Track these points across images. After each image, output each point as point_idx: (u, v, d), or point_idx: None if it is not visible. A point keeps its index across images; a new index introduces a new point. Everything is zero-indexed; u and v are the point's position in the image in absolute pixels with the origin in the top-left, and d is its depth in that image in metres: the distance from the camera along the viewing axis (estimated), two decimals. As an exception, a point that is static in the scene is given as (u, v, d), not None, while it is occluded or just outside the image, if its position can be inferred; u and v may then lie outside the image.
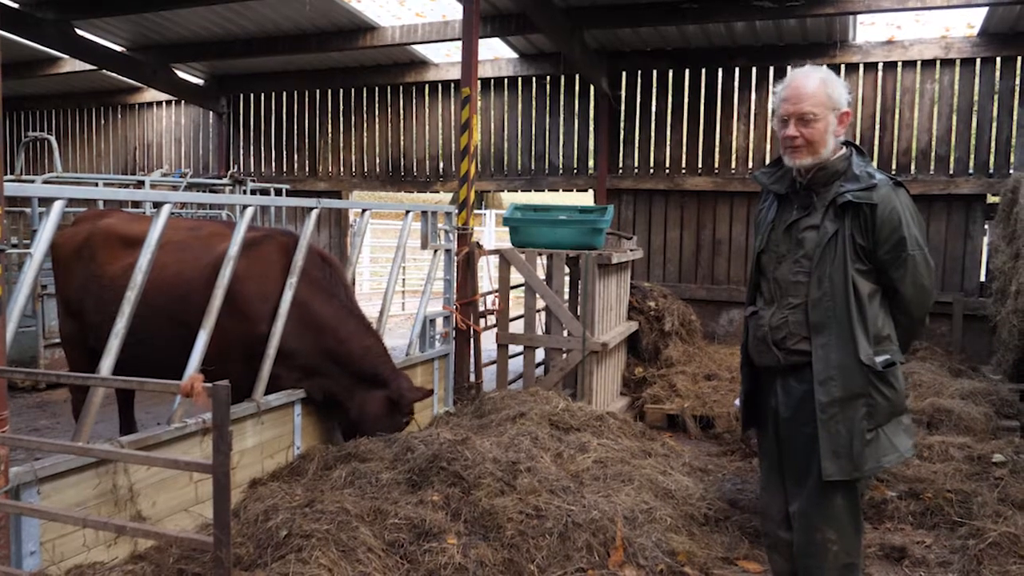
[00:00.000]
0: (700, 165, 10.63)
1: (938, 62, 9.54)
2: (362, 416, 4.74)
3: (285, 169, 13.15)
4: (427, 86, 12.05)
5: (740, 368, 3.28)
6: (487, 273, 7.72)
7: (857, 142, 9.70)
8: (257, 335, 4.33)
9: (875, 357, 2.77)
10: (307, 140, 12.96)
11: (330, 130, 12.79)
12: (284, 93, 13.02)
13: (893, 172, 9.75)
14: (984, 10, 8.66)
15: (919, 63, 9.60)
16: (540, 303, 6.91)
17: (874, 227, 2.77)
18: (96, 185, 9.21)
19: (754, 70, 10.32)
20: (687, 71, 10.63)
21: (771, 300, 2.99)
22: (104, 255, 4.66)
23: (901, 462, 2.96)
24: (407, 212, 6.04)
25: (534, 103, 11.44)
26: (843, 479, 2.80)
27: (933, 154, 9.65)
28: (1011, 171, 9.13)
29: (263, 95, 13.20)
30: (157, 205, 3.80)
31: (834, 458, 2.76)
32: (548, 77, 11.27)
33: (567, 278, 7.14)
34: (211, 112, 13.47)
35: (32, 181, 8.44)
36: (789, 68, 10.07)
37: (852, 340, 2.76)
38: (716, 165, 10.53)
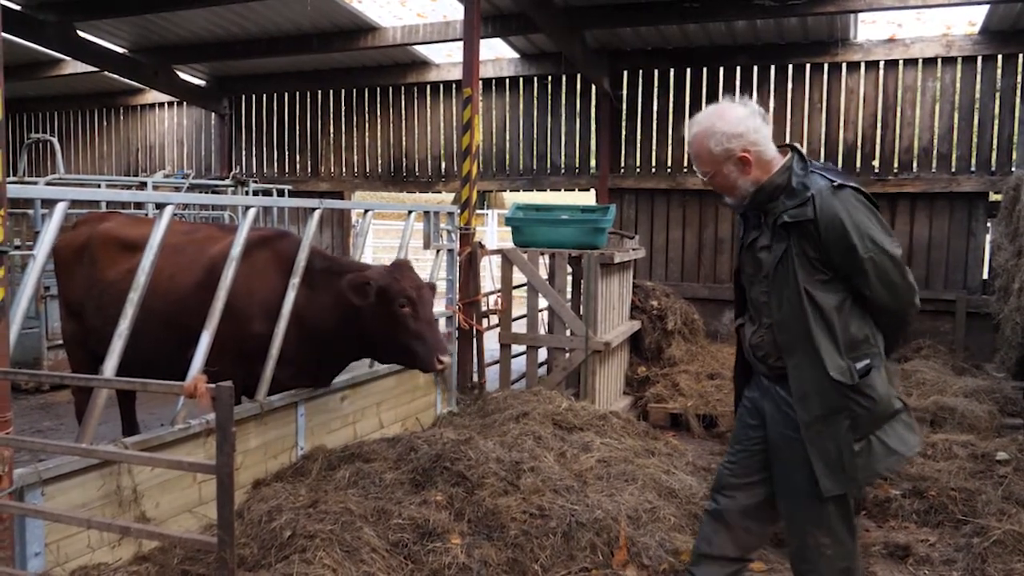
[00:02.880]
0: (702, 164, 10.60)
1: (939, 60, 9.53)
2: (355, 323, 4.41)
3: (287, 170, 13.16)
4: (428, 86, 12.06)
5: (734, 369, 3.19)
6: (489, 273, 7.72)
7: (859, 141, 9.85)
8: (249, 334, 4.32)
9: (854, 364, 2.66)
10: (309, 141, 12.96)
11: (332, 131, 12.79)
12: (286, 94, 13.03)
13: (895, 170, 9.75)
14: (985, 8, 8.65)
15: (920, 61, 9.59)
16: (543, 303, 6.90)
17: (820, 239, 2.63)
18: (99, 187, 9.21)
19: (755, 69, 10.32)
20: (688, 70, 10.63)
21: (752, 318, 2.94)
22: (103, 259, 4.66)
23: (904, 464, 2.87)
24: (409, 212, 6.04)
25: (535, 103, 11.44)
26: (841, 493, 2.74)
27: (935, 152, 9.64)
28: (1013, 169, 9.11)
29: (265, 96, 13.21)
30: (160, 206, 3.80)
31: (829, 474, 2.69)
32: (549, 77, 11.27)
33: (569, 278, 7.14)
34: (213, 113, 13.48)
35: (35, 183, 8.46)
36: (790, 67, 10.10)
37: (819, 359, 2.65)
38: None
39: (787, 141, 2.84)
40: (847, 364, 2.66)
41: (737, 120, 2.72)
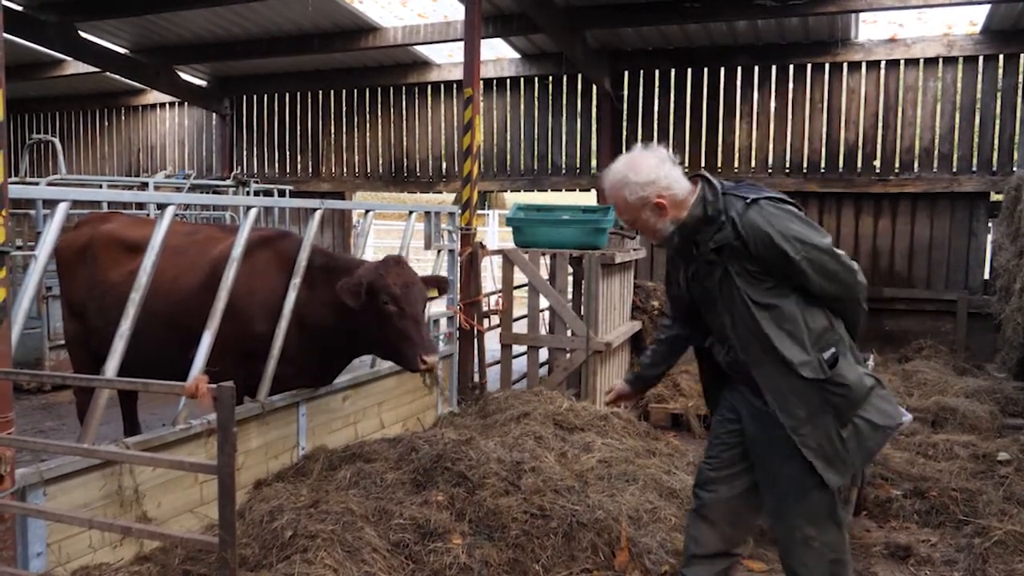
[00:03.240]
0: (703, 164, 10.62)
1: (941, 60, 9.53)
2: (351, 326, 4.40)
3: (288, 170, 13.17)
4: (429, 87, 12.06)
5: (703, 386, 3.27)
6: (490, 273, 7.72)
7: (860, 141, 9.84)
8: (251, 334, 4.32)
9: (822, 355, 2.70)
10: (310, 141, 12.97)
11: (333, 131, 12.80)
12: (287, 94, 13.04)
13: (897, 170, 9.75)
14: (986, 8, 8.65)
15: (922, 61, 9.60)
16: (544, 303, 6.90)
17: (751, 254, 2.69)
18: (100, 187, 9.22)
19: (756, 69, 10.32)
20: (689, 70, 10.63)
21: (720, 340, 2.98)
22: (105, 260, 4.66)
23: (892, 435, 2.89)
24: (410, 212, 6.04)
25: (536, 103, 11.45)
26: (845, 481, 2.78)
27: (936, 152, 9.64)
28: (1014, 169, 9.12)
29: (266, 96, 13.22)
30: (161, 207, 3.80)
31: (828, 467, 2.72)
32: (550, 77, 11.27)
33: (570, 278, 7.14)
34: (214, 114, 13.49)
35: (36, 183, 8.46)
36: (791, 67, 10.10)
37: (787, 364, 2.70)
38: (719, 164, 10.52)
39: (698, 170, 2.98)
40: (815, 357, 2.70)
41: (648, 169, 2.82)
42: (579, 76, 11.05)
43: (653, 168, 2.82)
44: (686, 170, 2.93)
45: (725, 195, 2.78)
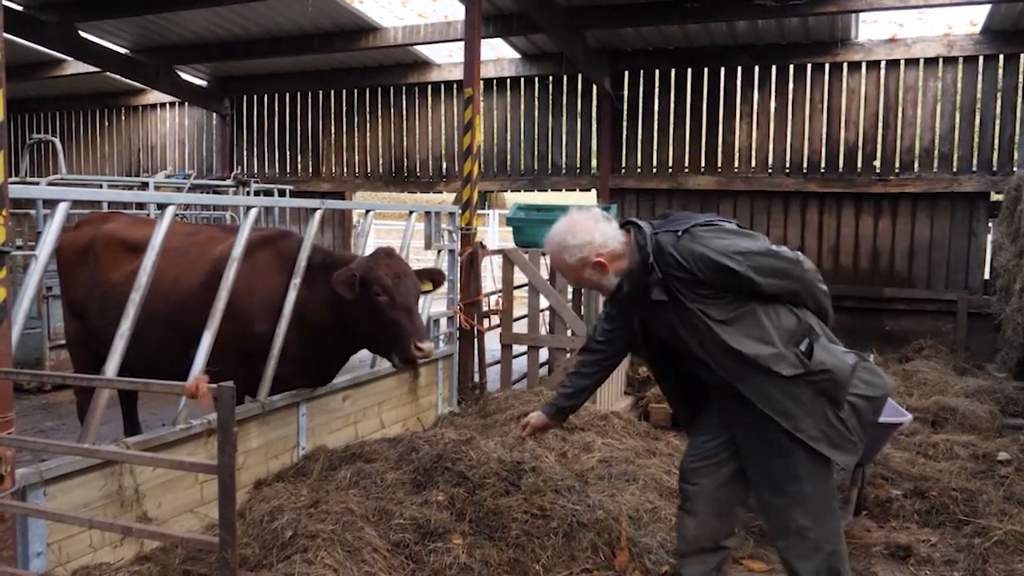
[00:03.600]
0: (703, 164, 10.63)
1: (941, 60, 9.53)
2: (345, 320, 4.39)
3: (288, 170, 13.17)
4: (430, 87, 12.07)
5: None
6: (490, 273, 7.72)
7: (860, 141, 9.84)
8: (252, 333, 4.32)
9: (797, 349, 2.77)
10: (310, 141, 12.97)
11: (333, 131, 12.80)
12: (287, 94, 13.04)
13: (897, 170, 9.76)
14: (987, 8, 8.65)
15: (922, 61, 9.60)
16: (544, 303, 6.90)
17: (700, 280, 2.77)
18: (100, 187, 9.22)
19: (756, 69, 10.32)
20: (689, 70, 10.63)
21: (697, 365, 3.02)
22: (107, 261, 4.66)
23: (883, 403, 2.93)
24: (410, 212, 6.04)
25: (537, 103, 11.45)
26: (856, 460, 2.84)
27: (936, 152, 9.64)
28: (1014, 169, 9.11)
29: (266, 96, 13.22)
30: (161, 207, 3.80)
31: (836, 450, 2.78)
32: (550, 77, 11.27)
33: (570, 278, 7.13)
34: (214, 113, 13.49)
35: (36, 183, 8.46)
36: (792, 67, 10.10)
37: (767, 369, 2.76)
38: (719, 164, 10.53)
39: (627, 219, 3.06)
40: (791, 353, 2.76)
41: (583, 231, 2.96)
42: (579, 76, 11.05)
43: (588, 229, 2.96)
44: (618, 221, 3.08)
45: (656, 234, 2.89)
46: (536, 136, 11.50)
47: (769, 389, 2.77)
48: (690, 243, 2.79)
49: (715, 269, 2.75)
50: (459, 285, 6.68)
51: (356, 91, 12.56)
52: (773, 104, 10.25)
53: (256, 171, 13.18)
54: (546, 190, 11.70)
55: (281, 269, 4.44)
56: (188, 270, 4.44)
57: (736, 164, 10.46)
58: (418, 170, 12.30)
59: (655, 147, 10.82)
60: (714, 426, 3.09)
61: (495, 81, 11.55)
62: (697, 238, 2.80)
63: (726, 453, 3.05)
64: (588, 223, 2.97)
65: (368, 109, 12.51)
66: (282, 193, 11.12)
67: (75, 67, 12.25)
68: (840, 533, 2.92)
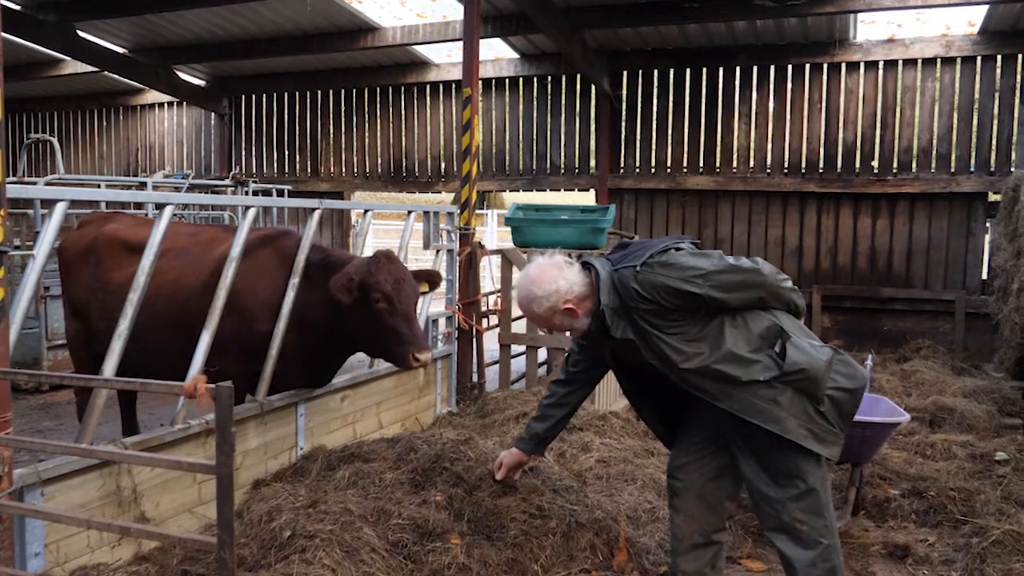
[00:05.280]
0: (701, 164, 10.64)
1: (939, 60, 9.55)
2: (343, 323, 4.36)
3: (287, 170, 13.17)
4: (428, 86, 12.07)
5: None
6: (489, 273, 7.72)
7: (859, 141, 9.85)
8: (254, 333, 4.32)
9: (772, 351, 2.83)
10: (309, 141, 12.97)
11: (332, 131, 12.80)
12: (286, 94, 13.04)
13: (895, 170, 9.77)
14: (985, 8, 8.66)
15: (920, 61, 9.61)
16: (542, 303, 6.89)
17: (666, 309, 2.83)
18: (98, 187, 9.22)
19: (755, 69, 10.33)
20: (688, 70, 10.64)
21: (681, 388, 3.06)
22: (109, 262, 4.65)
23: (862, 395, 2.95)
24: (409, 212, 6.04)
25: (535, 103, 11.45)
26: (840, 450, 2.87)
27: (934, 152, 9.66)
28: (1012, 169, 9.13)
29: (265, 96, 13.22)
30: (160, 207, 3.80)
31: (821, 444, 2.83)
32: (549, 77, 11.28)
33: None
34: (213, 113, 13.48)
35: (34, 183, 8.45)
36: (790, 67, 10.11)
37: (741, 381, 2.81)
38: (717, 164, 10.54)
39: (583, 258, 3.11)
40: (764, 357, 2.82)
41: (548, 280, 3.00)
42: (578, 76, 11.06)
43: (552, 278, 3.00)
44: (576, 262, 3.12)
45: (616, 271, 2.94)
46: (535, 136, 11.51)
47: (750, 398, 2.82)
48: (649, 275, 2.85)
49: (677, 296, 2.81)
50: (458, 285, 6.68)
51: (355, 91, 12.56)
52: (771, 104, 10.26)
53: (255, 171, 13.18)
54: (545, 190, 11.71)
55: (282, 268, 4.43)
56: (190, 270, 4.44)
57: (734, 164, 10.47)
58: (417, 170, 12.30)
59: (654, 147, 10.83)
60: (702, 420, 3.12)
61: (494, 81, 11.56)
62: (654, 270, 2.85)
63: (713, 447, 3.10)
64: (552, 271, 3.02)
65: (367, 109, 12.51)
66: (280, 193, 11.12)
67: (73, 67, 12.24)
68: (834, 527, 2.95)
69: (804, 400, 2.81)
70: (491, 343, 7.36)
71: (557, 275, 3.00)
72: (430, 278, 4.83)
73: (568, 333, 3.29)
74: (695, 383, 2.88)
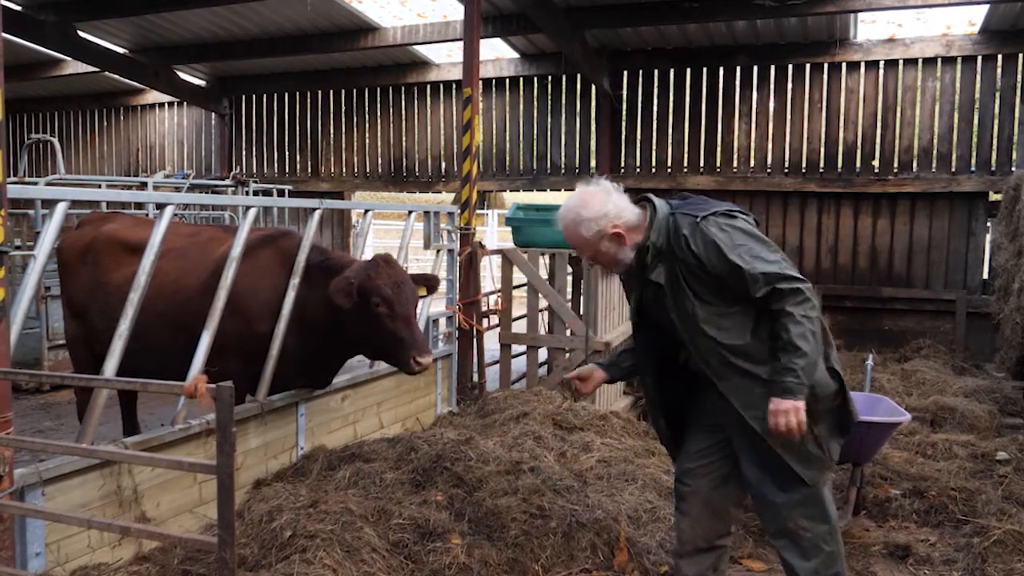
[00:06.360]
0: (702, 164, 10.64)
1: (939, 60, 9.54)
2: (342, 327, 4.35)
3: (287, 170, 13.17)
4: (429, 86, 12.06)
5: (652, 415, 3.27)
6: (489, 273, 7.72)
7: (859, 141, 9.85)
8: (254, 333, 4.32)
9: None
10: (309, 141, 12.97)
11: (332, 131, 12.80)
12: (286, 94, 13.04)
13: (895, 170, 9.76)
14: (985, 8, 8.66)
15: (920, 61, 9.60)
16: (543, 303, 6.91)
17: (707, 270, 2.75)
18: (99, 187, 9.22)
19: (755, 69, 10.32)
20: (688, 70, 10.63)
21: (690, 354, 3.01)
22: (108, 262, 4.65)
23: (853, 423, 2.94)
24: (410, 212, 6.04)
25: (536, 103, 11.45)
26: (823, 478, 2.84)
27: (935, 152, 9.65)
28: (1013, 168, 9.13)
29: (265, 96, 13.22)
30: (160, 207, 3.80)
31: (807, 467, 2.79)
32: (549, 77, 11.27)
33: (569, 278, 7.14)
34: (213, 113, 13.48)
35: (35, 183, 8.45)
36: (790, 67, 10.10)
37: (746, 372, 2.79)
38: (718, 164, 10.53)
39: (643, 195, 3.01)
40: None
41: (598, 203, 2.90)
42: (578, 76, 11.05)
43: (602, 202, 2.91)
44: (632, 196, 3.02)
45: (674, 215, 2.86)
46: (535, 136, 11.51)
47: (746, 388, 2.79)
48: (706, 231, 2.76)
49: (723, 262, 2.73)
50: (458, 285, 6.68)
51: (355, 91, 12.56)
52: (772, 104, 10.26)
53: (255, 171, 13.18)
54: (545, 190, 11.71)
55: (283, 268, 4.43)
56: (190, 271, 4.44)
57: (735, 164, 10.46)
58: (417, 170, 12.30)
59: (654, 147, 10.82)
60: (710, 426, 3.08)
61: (494, 81, 11.55)
62: (712, 228, 2.76)
63: (721, 453, 3.06)
64: (601, 196, 2.92)
65: (367, 109, 12.51)
66: (281, 193, 11.12)
67: (74, 67, 12.25)
68: (837, 533, 2.93)
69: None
70: (491, 343, 7.36)
71: (606, 199, 2.91)
72: (428, 282, 4.82)
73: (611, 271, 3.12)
74: (703, 351, 2.82)
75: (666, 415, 3.19)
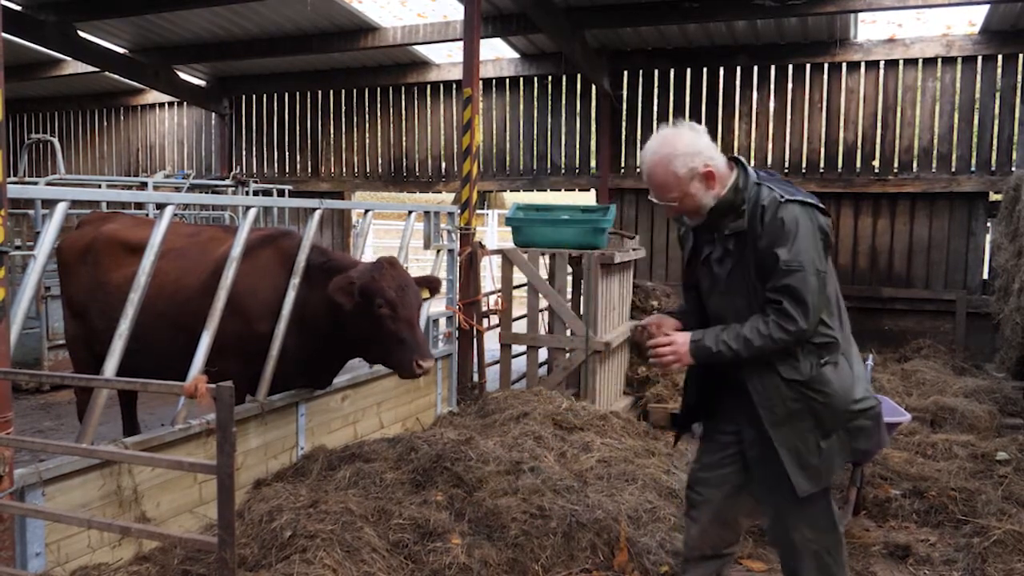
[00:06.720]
0: (702, 164, 10.62)
1: (940, 60, 9.54)
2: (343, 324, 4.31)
3: (287, 170, 13.17)
4: (429, 86, 12.07)
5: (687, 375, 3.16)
6: (489, 273, 7.72)
7: (859, 141, 9.85)
8: (255, 333, 4.32)
9: (814, 360, 2.71)
10: (309, 141, 12.97)
11: (332, 131, 12.80)
12: (286, 94, 13.04)
13: (895, 170, 9.76)
14: (985, 8, 8.66)
15: (920, 61, 9.60)
16: (543, 303, 6.90)
17: (769, 249, 2.68)
18: (99, 187, 9.21)
19: (755, 69, 10.33)
20: (688, 70, 10.64)
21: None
22: (108, 262, 4.65)
23: (867, 456, 2.89)
24: (410, 212, 6.04)
25: (536, 103, 11.45)
26: (815, 490, 2.77)
27: (935, 152, 9.65)
28: (1013, 169, 9.13)
29: (265, 96, 13.22)
30: (160, 207, 3.80)
31: (800, 473, 2.74)
32: (550, 77, 11.27)
33: (570, 278, 7.14)
34: (213, 113, 13.48)
35: (35, 183, 8.45)
36: (790, 67, 10.10)
37: (769, 363, 2.72)
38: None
39: (734, 154, 2.91)
40: (804, 362, 2.71)
41: (692, 140, 2.79)
42: (578, 76, 11.06)
43: (696, 139, 2.80)
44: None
45: (759, 184, 2.77)
46: (535, 136, 11.51)
47: (765, 380, 2.74)
48: (784, 213, 2.67)
49: (774, 243, 2.65)
50: (458, 285, 6.68)
51: (355, 91, 12.56)
52: (772, 104, 10.26)
53: (255, 171, 13.18)
54: (545, 190, 11.70)
55: (283, 268, 4.43)
56: (190, 271, 4.44)
57: (735, 164, 10.45)
58: (417, 170, 12.30)
59: (654, 147, 10.80)
60: (726, 435, 3.03)
61: (494, 81, 11.55)
62: (790, 215, 2.66)
63: (736, 465, 3.00)
64: (690, 134, 2.80)
65: (367, 109, 12.51)
66: (281, 193, 11.12)
67: (74, 67, 12.25)
68: (842, 543, 2.90)
69: (811, 423, 2.72)
70: (492, 343, 7.35)
71: (700, 137, 2.80)
72: (430, 284, 4.81)
73: (683, 220, 2.98)
74: (740, 317, 2.76)
75: (699, 385, 3.08)
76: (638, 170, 10.86)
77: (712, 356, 2.76)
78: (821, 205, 2.77)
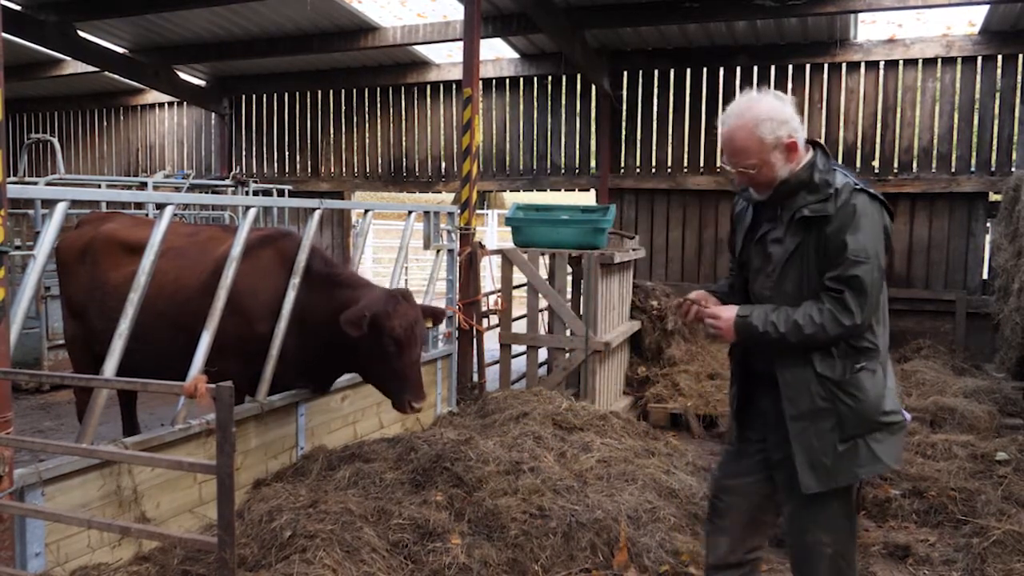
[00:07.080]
0: (702, 164, 10.64)
1: (939, 60, 9.54)
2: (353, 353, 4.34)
3: (287, 170, 13.17)
4: (429, 86, 12.07)
5: (732, 369, 3.09)
6: (489, 273, 7.73)
7: (859, 141, 9.85)
8: (254, 333, 4.32)
9: (849, 363, 2.65)
10: (309, 141, 12.97)
11: (332, 131, 12.80)
12: (286, 94, 13.04)
13: (895, 170, 9.77)
14: (985, 8, 8.66)
15: (920, 61, 9.60)
16: (543, 303, 6.91)
17: (835, 234, 2.61)
18: (99, 187, 9.21)
19: (755, 69, 10.32)
20: (688, 70, 10.64)
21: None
22: (107, 262, 4.65)
23: (882, 472, 2.81)
24: (409, 212, 6.04)
25: (536, 103, 11.45)
26: (820, 491, 2.71)
27: (935, 152, 9.65)
28: (1013, 169, 9.13)
29: (265, 96, 13.22)
30: (160, 207, 3.80)
31: (811, 470, 2.69)
32: (550, 77, 11.27)
33: (569, 278, 7.14)
34: (213, 113, 13.48)
35: (35, 183, 8.45)
36: (790, 67, 10.10)
37: (806, 355, 2.66)
38: (718, 164, 10.52)
39: (812, 138, 2.82)
40: (839, 362, 2.66)
41: (782, 107, 2.69)
42: (578, 76, 11.05)
43: (785, 107, 2.70)
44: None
45: (835, 171, 2.71)
46: (535, 136, 11.50)
47: (797, 371, 2.68)
48: (859, 202, 2.61)
49: (841, 232, 2.58)
50: (458, 285, 6.69)
51: (355, 91, 12.56)
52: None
53: (255, 171, 13.18)
54: (545, 190, 11.70)
55: (283, 268, 4.43)
56: (190, 270, 4.44)
57: (735, 164, 10.45)
58: (417, 170, 12.30)
59: (654, 147, 10.82)
60: (752, 443, 2.98)
61: (494, 81, 11.55)
62: (862, 204, 2.61)
63: (762, 474, 2.94)
64: (777, 102, 2.69)
65: (367, 109, 12.51)
66: (281, 193, 11.12)
67: (74, 67, 12.25)
68: (855, 549, 2.86)
69: (832, 424, 2.65)
70: (491, 343, 7.36)
71: (784, 107, 2.69)
72: (435, 315, 4.85)
73: (749, 192, 2.87)
74: (785, 301, 2.70)
75: (743, 372, 2.99)
76: (638, 170, 10.88)
77: (756, 336, 2.68)
78: (889, 207, 2.73)
